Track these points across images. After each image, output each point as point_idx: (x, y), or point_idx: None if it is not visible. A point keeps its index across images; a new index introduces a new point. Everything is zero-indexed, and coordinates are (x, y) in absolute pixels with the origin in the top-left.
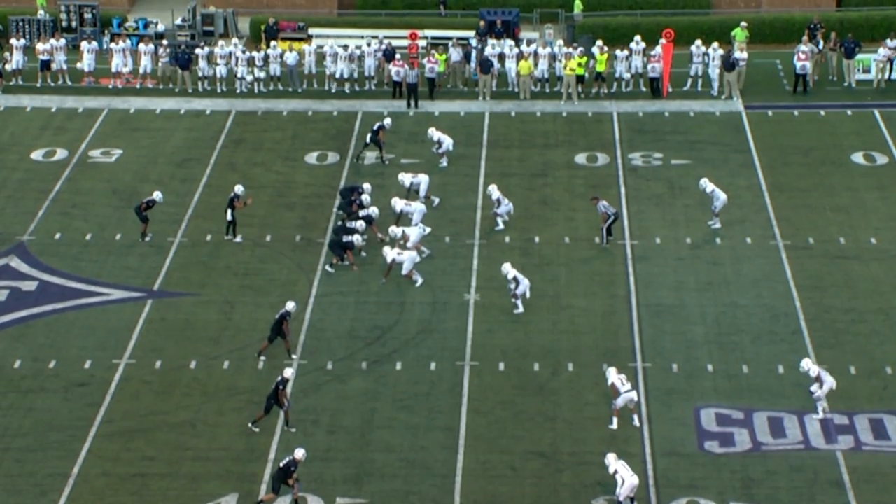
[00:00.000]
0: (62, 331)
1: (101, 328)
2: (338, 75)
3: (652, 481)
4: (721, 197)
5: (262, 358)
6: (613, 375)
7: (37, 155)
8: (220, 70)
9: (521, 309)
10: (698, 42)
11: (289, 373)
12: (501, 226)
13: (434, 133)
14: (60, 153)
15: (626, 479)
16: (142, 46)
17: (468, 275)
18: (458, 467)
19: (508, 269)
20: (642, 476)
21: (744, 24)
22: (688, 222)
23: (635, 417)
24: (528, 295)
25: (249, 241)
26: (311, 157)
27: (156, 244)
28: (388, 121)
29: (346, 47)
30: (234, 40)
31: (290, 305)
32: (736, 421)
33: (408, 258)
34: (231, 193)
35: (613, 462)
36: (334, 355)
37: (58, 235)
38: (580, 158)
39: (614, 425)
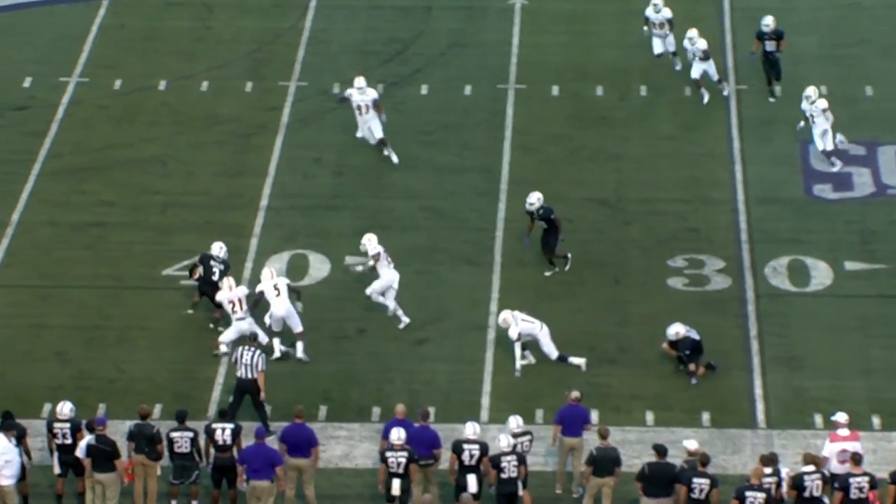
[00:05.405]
0: None
1: (42, 36)
2: None
3: (745, 236)
4: None
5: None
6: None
7: None
8: None
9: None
10: None
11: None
12: None
13: None
14: None
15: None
16: None
17: None
18: (498, 219)
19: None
20: (733, 228)
21: None
22: None
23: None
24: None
25: None
26: None
27: None
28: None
29: None
30: None
31: (215, 248)
32: (855, 158)
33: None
34: None
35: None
36: (341, 76)
37: None
38: None
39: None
